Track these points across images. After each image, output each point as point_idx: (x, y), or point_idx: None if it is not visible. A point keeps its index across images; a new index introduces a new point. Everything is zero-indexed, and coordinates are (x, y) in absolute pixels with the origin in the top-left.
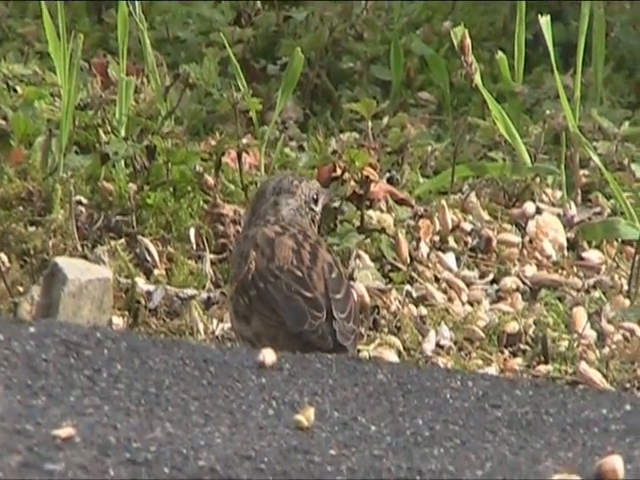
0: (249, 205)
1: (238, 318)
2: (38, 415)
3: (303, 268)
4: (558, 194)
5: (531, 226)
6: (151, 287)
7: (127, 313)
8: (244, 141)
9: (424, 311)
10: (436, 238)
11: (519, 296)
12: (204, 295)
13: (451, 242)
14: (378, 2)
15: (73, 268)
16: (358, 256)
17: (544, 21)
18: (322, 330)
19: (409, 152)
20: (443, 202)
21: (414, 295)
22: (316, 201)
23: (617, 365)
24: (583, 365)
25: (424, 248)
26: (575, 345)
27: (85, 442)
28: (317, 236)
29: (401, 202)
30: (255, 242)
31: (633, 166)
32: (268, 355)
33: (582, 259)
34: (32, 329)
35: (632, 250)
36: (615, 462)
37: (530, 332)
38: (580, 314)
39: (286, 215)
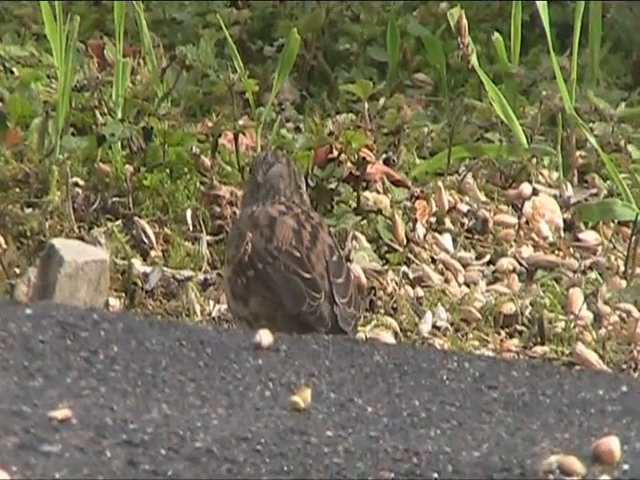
0: (250, 181)
1: (235, 299)
2: (35, 396)
3: (302, 249)
4: (554, 175)
5: (527, 207)
6: (148, 269)
7: (124, 294)
8: (241, 122)
9: (420, 292)
10: (432, 219)
11: (515, 277)
12: (201, 276)
13: (447, 223)
14: None
15: (70, 250)
16: (354, 237)
17: (540, 2)
18: (320, 311)
19: (405, 133)
20: (439, 183)
21: (410, 276)
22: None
23: (613, 346)
24: (580, 346)
25: (420, 229)
26: (572, 326)
27: (82, 423)
28: (320, 218)
29: (397, 183)
30: (255, 222)
31: (629, 147)
32: (265, 336)
33: (578, 240)
34: (28, 311)
35: (628, 231)
36: (611, 443)
37: (526, 313)
38: (576, 295)
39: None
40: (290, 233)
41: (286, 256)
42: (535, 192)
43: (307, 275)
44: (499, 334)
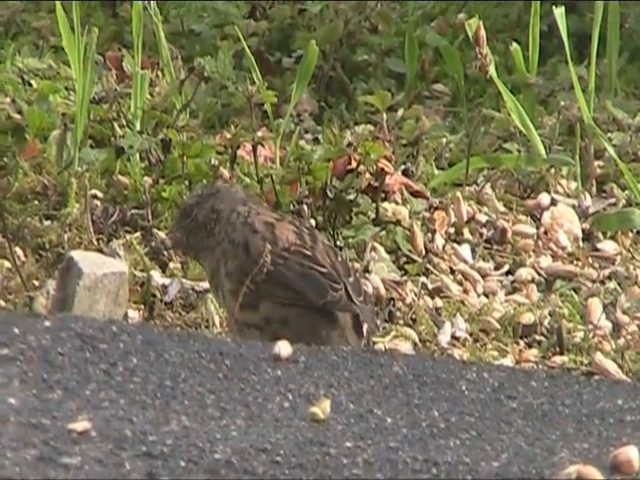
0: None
1: (243, 309)
2: (54, 409)
3: (307, 247)
4: (573, 185)
5: (546, 217)
6: (166, 280)
7: (143, 306)
8: (259, 134)
9: (439, 303)
10: (451, 230)
11: (534, 287)
12: None
13: (466, 234)
14: None
15: (88, 262)
16: (373, 248)
17: (558, 12)
18: (344, 300)
19: (424, 144)
20: (458, 194)
21: (429, 287)
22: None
23: (632, 356)
24: (598, 356)
25: (439, 240)
26: (590, 336)
27: (101, 436)
28: (309, 223)
29: (416, 194)
30: (253, 228)
31: None
32: (284, 348)
33: (597, 250)
34: (48, 323)
35: None
36: (630, 453)
37: (545, 323)
38: (595, 305)
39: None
40: (292, 235)
41: (297, 255)
42: (554, 202)
43: (323, 269)
44: (518, 344)
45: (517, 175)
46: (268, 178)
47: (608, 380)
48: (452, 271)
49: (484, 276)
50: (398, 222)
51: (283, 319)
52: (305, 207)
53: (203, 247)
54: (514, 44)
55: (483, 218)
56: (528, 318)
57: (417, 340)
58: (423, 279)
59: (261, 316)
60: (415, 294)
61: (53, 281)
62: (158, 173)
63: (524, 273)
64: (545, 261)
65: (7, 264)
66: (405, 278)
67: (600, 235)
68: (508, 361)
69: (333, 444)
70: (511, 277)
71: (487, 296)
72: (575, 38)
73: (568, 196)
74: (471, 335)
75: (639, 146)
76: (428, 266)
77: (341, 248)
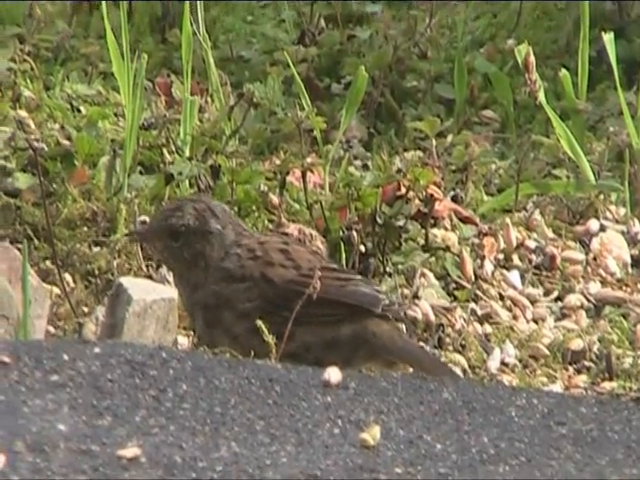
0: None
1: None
2: (103, 435)
3: (324, 260)
4: (622, 211)
5: (595, 243)
6: None
7: (192, 333)
8: (308, 160)
9: (489, 329)
10: (500, 256)
11: (583, 313)
12: None
13: (515, 260)
14: (442, 20)
15: (138, 288)
16: (423, 274)
17: (607, 38)
18: (397, 306)
19: (473, 170)
20: (507, 220)
21: (479, 313)
22: None
23: None
24: None
25: (488, 266)
26: (639, 362)
27: (151, 462)
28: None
29: (465, 220)
30: (268, 260)
31: None
32: (333, 374)
33: None
34: (97, 349)
35: None
36: None
37: (594, 349)
38: None
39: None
40: (307, 254)
41: (327, 271)
42: (602, 228)
43: (358, 277)
44: (567, 370)
45: (566, 201)
46: (317, 204)
47: None
48: (501, 297)
49: (533, 302)
50: (447, 248)
51: (327, 342)
52: (354, 233)
53: (187, 278)
54: (563, 70)
55: (532, 244)
56: (577, 344)
57: (466, 366)
58: (472, 305)
59: (298, 344)
60: (464, 320)
61: (102, 307)
62: None
63: (573, 299)
64: (594, 287)
65: (56, 290)
66: (454, 304)
67: None
68: (557, 387)
69: (383, 470)
70: (560, 303)
71: (536, 322)
72: (624, 64)
73: (617, 222)
74: (520, 361)
75: None
76: (477, 292)
77: (390, 274)
